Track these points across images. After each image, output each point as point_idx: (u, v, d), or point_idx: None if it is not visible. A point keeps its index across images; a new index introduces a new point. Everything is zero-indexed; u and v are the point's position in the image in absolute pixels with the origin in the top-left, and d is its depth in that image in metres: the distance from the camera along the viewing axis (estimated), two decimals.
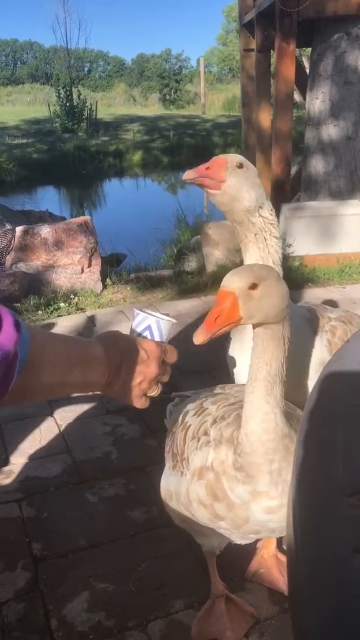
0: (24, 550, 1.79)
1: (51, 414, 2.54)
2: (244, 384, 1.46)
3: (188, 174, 1.46)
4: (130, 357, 1.00)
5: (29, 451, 2.28)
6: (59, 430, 2.42)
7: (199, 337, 1.09)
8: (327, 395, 0.80)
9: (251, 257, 1.53)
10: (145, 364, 1.02)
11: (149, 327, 1.12)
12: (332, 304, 3.68)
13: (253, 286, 1.11)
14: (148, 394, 1.05)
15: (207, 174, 1.44)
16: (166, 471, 1.45)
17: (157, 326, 1.11)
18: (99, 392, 1.03)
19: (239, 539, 1.36)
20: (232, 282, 1.11)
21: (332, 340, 1.64)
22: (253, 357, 1.18)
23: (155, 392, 1.05)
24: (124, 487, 2.06)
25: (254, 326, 1.16)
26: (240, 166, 1.44)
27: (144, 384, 1.02)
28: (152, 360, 1.02)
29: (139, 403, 1.05)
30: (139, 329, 1.12)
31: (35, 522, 1.91)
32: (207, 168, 1.44)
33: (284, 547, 1.74)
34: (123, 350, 1.00)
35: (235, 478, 1.19)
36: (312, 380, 1.60)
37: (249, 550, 1.70)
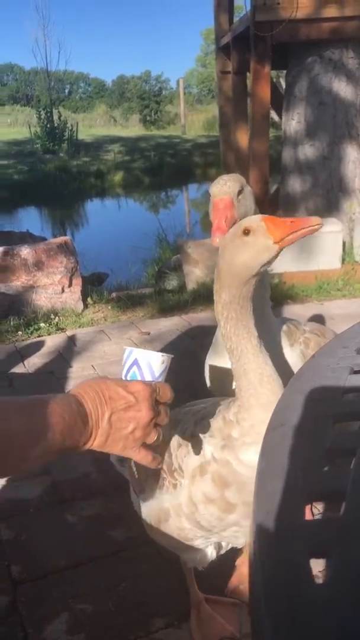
0: (3, 574, 1.78)
1: None
2: (210, 399, 1.48)
3: (217, 238, 1.44)
4: (115, 405, 0.89)
5: None
6: None
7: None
8: (289, 408, 0.82)
9: None
10: (135, 409, 0.90)
11: (135, 362, 1.03)
12: (319, 320, 3.74)
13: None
14: (147, 442, 0.94)
15: (228, 225, 1.45)
16: (149, 496, 1.41)
17: (146, 361, 1.02)
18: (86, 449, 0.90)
19: (245, 535, 1.35)
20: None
21: (306, 351, 1.69)
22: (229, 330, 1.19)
23: (154, 439, 0.94)
24: (104, 506, 2.05)
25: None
26: (241, 191, 1.49)
27: (137, 431, 0.91)
28: (142, 402, 0.91)
29: (139, 455, 0.94)
30: (127, 366, 1.03)
31: (14, 545, 1.90)
32: (225, 219, 1.46)
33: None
34: (106, 398, 0.89)
35: (243, 444, 1.17)
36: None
37: (229, 567, 1.70)
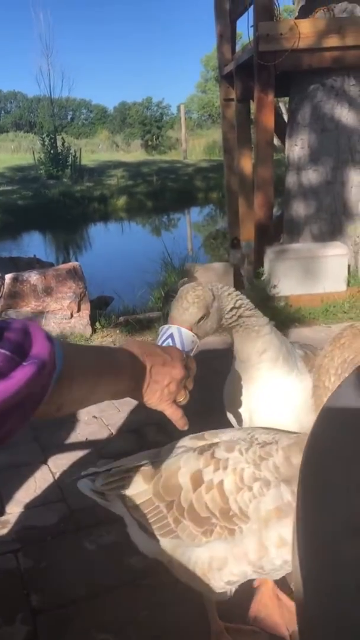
0: (23, 603, 1.77)
1: (45, 462, 2.54)
2: (232, 429, 1.47)
3: None
4: (155, 360, 1.03)
5: (25, 500, 2.27)
6: (54, 479, 2.42)
7: None
8: (324, 437, 0.84)
9: (237, 336, 1.61)
10: (171, 365, 1.04)
11: (171, 336, 1.25)
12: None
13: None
14: (177, 400, 1.09)
15: None
16: (188, 543, 1.33)
17: (179, 334, 1.24)
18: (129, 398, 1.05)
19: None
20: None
21: None
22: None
23: (183, 397, 1.10)
24: (122, 534, 2.04)
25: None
26: (203, 317, 1.44)
27: (172, 385, 1.05)
28: (176, 361, 1.05)
29: (171, 409, 1.08)
30: (162, 338, 1.25)
31: (33, 573, 1.89)
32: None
33: (292, 587, 1.75)
34: (148, 353, 1.03)
35: None
36: (308, 415, 1.65)
37: (247, 594, 1.70)
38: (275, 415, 1.62)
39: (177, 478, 1.34)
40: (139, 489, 1.41)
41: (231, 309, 1.53)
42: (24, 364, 0.71)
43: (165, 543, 1.38)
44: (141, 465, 1.45)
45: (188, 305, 1.42)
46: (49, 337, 0.77)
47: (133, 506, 1.41)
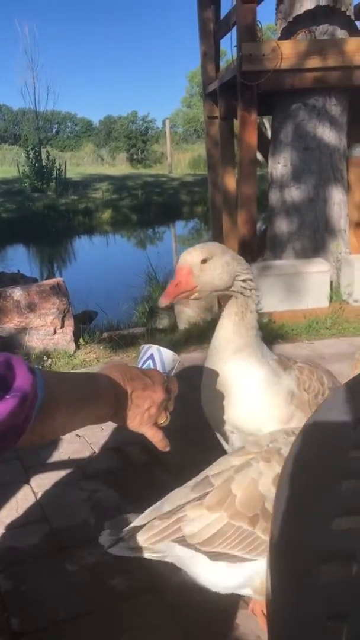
0: (3, 626, 1.76)
1: (27, 482, 2.52)
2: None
3: (164, 300, 1.51)
4: (136, 384, 1.04)
5: (6, 521, 2.26)
6: (36, 498, 2.41)
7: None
8: (299, 463, 0.85)
9: (227, 322, 1.62)
10: (152, 389, 1.06)
11: (151, 356, 1.23)
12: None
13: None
14: (158, 422, 1.10)
15: (179, 290, 1.49)
16: None
17: (159, 355, 1.22)
18: (109, 422, 1.06)
19: None
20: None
21: (300, 376, 1.74)
22: None
23: (164, 420, 1.11)
24: (104, 555, 2.04)
25: None
26: (205, 261, 1.49)
27: (152, 409, 1.06)
28: (157, 385, 1.06)
29: (151, 432, 1.10)
30: (143, 359, 1.23)
31: (14, 596, 1.88)
32: (177, 284, 1.49)
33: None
34: (129, 378, 1.04)
35: None
36: (281, 408, 1.68)
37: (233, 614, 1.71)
38: (253, 407, 1.65)
39: (257, 489, 1.33)
40: (207, 520, 1.34)
41: (244, 280, 1.57)
42: (7, 397, 0.73)
43: (262, 561, 1.32)
44: (187, 503, 1.37)
45: (192, 250, 1.51)
46: (30, 369, 0.79)
47: (203, 541, 1.33)
